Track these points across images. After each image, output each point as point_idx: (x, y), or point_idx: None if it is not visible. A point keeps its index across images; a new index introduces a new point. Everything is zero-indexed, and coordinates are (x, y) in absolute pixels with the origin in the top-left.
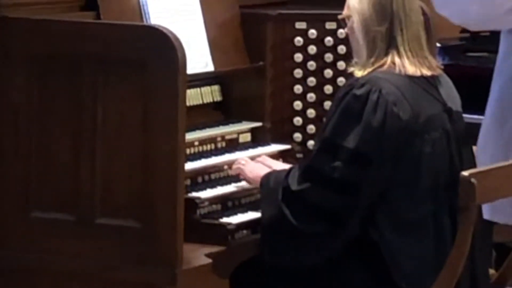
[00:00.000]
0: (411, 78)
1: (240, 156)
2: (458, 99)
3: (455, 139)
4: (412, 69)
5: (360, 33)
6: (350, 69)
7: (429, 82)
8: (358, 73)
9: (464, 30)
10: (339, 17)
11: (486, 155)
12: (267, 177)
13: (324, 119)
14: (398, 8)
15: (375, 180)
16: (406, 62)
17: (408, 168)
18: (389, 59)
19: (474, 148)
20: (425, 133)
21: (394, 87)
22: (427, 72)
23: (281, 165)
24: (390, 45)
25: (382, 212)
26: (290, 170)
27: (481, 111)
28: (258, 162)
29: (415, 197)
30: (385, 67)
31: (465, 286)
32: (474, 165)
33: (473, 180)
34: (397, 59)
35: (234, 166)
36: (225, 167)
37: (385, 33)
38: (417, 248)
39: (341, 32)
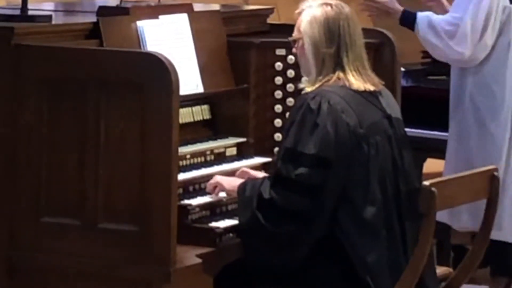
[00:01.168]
0: (355, 91)
1: (226, 168)
2: (398, 108)
3: (396, 142)
4: (356, 84)
5: (311, 54)
6: (301, 86)
7: (371, 94)
8: (308, 89)
9: (425, 56)
10: (290, 38)
11: (450, 167)
12: (243, 186)
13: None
14: (344, 33)
15: (335, 181)
16: (351, 78)
17: (359, 169)
18: (335, 77)
19: (435, 160)
20: (370, 137)
21: (340, 98)
22: (370, 87)
23: (261, 174)
24: (337, 64)
25: (343, 212)
26: (263, 180)
27: (440, 127)
28: (241, 173)
29: (368, 196)
30: (331, 82)
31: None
32: (414, 166)
33: (433, 189)
34: (342, 76)
35: (211, 182)
36: None
37: (333, 54)
38: (375, 245)
39: None
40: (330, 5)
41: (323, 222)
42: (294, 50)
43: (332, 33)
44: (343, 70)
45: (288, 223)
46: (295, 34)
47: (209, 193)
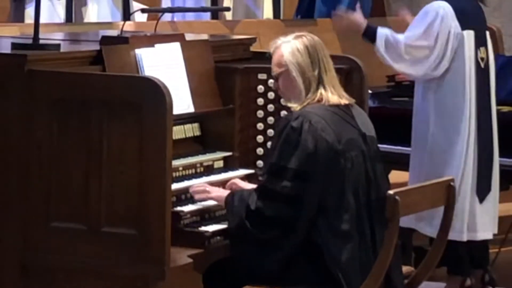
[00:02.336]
0: (334, 108)
1: (214, 179)
2: (372, 126)
3: (369, 157)
4: (334, 98)
5: (299, 80)
6: (289, 105)
7: (347, 113)
8: (296, 108)
9: (390, 80)
10: (273, 74)
11: (414, 178)
12: (231, 197)
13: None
14: (321, 56)
15: (314, 192)
16: (330, 95)
17: (336, 181)
18: (318, 94)
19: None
20: (346, 152)
21: (319, 117)
22: (345, 101)
23: (250, 185)
24: (319, 83)
25: (321, 218)
26: (250, 192)
27: (403, 142)
28: (230, 184)
29: (343, 204)
30: (315, 100)
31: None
32: (385, 178)
33: (397, 197)
34: (324, 93)
35: (199, 187)
36: None
37: (316, 76)
38: (347, 246)
39: None
40: (304, 36)
41: (303, 228)
42: (275, 85)
43: (313, 58)
44: (324, 88)
45: (272, 230)
46: (275, 70)
47: (193, 196)
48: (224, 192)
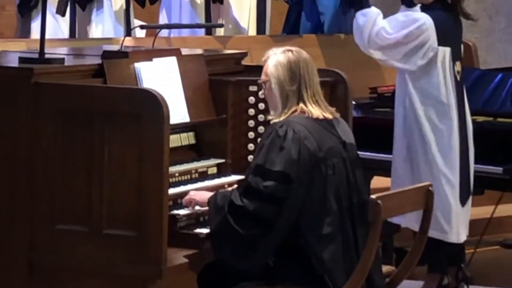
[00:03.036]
0: (316, 120)
1: (208, 184)
2: (351, 134)
3: (350, 164)
4: (316, 113)
5: (277, 92)
6: (269, 117)
7: (329, 123)
8: (276, 120)
9: (372, 92)
10: (259, 81)
11: (397, 183)
12: (214, 197)
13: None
14: (304, 72)
15: (295, 194)
16: (312, 109)
17: (318, 186)
18: (298, 108)
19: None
20: (327, 160)
21: (303, 127)
22: (329, 116)
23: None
24: (299, 99)
25: (304, 221)
26: (232, 191)
27: (385, 150)
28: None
29: (325, 207)
30: (296, 113)
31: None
32: (364, 183)
33: (379, 201)
34: (305, 108)
35: (186, 198)
36: None
37: (295, 91)
38: (331, 249)
39: None
40: (291, 51)
41: (281, 230)
42: (261, 91)
43: (294, 73)
44: (305, 103)
45: (253, 227)
46: (262, 77)
47: (186, 207)
48: (207, 194)
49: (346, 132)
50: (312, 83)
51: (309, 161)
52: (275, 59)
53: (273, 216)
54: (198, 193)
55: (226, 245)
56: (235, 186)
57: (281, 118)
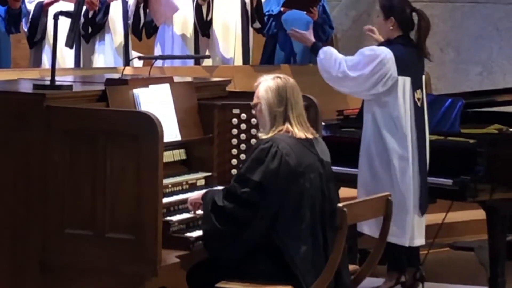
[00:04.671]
0: (298, 139)
1: (198, 194)
2: (328, 153)
3: (325, 178)
4: (300, 134)
5: (266, 113)
6: (258, 135)
7: (310, 143)
8: (264, 137)
9: (339, 114)
10: (251, 103)
11: (362, 193)
12: (205, 194)
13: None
14: (290, 96)
15: (269, 203)
16: (296, 129)
17: (295, 196)
18: (284, 128)
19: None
20: (306, 174)
21: (286, 144)
22: (310, 136)
23: None
24: (286, 119)
25: (280, 225)
26: (219, 191)
27: (350, 165)
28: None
29: (299, 214)
30: (282, 132)
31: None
32: (336, 195)
33: (345, 209)
34: (290, 128)
35: (191, 202)
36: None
37: (282, 112)
38: (303, 250)
39: None
40: (280, 77)
41: (257, 230)
42: (253, 111)
43: (281, 97)
44: (290, 123)
45: (230, 225)
46: (254, 100)
47: (190, 210)
48: (201, 192)
49: (324, 151)
50: (297, 105)
51: (287, 175)
52: (266, 84)
53: (247, 218)
54: (194, 194)
55: (209, 236)
56: (222, 187)
57: (269, 135)
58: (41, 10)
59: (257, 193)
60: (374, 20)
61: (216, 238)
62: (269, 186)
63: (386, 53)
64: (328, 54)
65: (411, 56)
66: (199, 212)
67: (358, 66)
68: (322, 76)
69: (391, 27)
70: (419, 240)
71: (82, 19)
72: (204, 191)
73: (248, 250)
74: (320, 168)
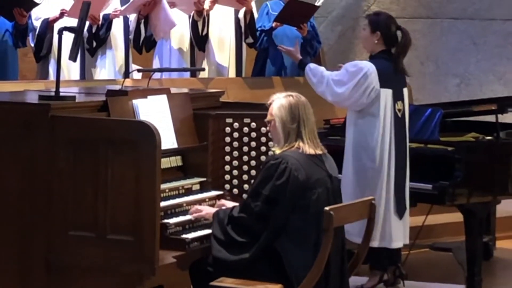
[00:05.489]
0: (308, 155)
1: (192, 198)
2: (336, 168)
3: (333, 192)
4: (310, 150)
5: (280, 129)
6: (273, 149)
7: (319, 159)
8: (277, 151)
9: (326, 124)
10: (265, 120)
11: (347, 198)
12: (217, 212)
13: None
14: (302, 114)
15: (280, 215)
16: (306, 146)
17: (302, 209)
18: (296, 144)
19: None
20: (314, 188)
21: (296, 160)
22: (319, 152)
23: (230, 203)
24: (298, 136)
25: (285, 234)
26: (233, 207)
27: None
28: (216, 204)
29: (304, 227)
30: (294, 148)
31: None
32: None
33: (331, 212)
34: (301, 144)
35: (193, 212)
36: (184, 205)
37: (295, 129)
38: (304, 259)
39: (253, 125)
40: (292, 95)
41: (266, 240)
42: (268, 127)
43: (294, 114)
44: (302, 140)
45: (244, 236)
46: (268, 117)
47: (190, 214)
48: (211, 209)
49: (332, 167)
50: (309, 122)
51: (296, 189)
52: (279, 102)
53: (259, 229)
54: (205, 208)
55: (223, 245)
56: (237, 204)
57: (282, 150)
58: (47, 26)
59: (268, 206)
60: (360, 33)
61: (231, 246)
62: (278, 199)
63: (368, 67)
64: (314, 70)
65: (392, 69)
66: (189, 217)
67: (343, 81)
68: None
69: (376, 41)
70: (397, 243)
71: (86, 34)
72: (213, 209)
73: (256, 255)
74: (328, 182)
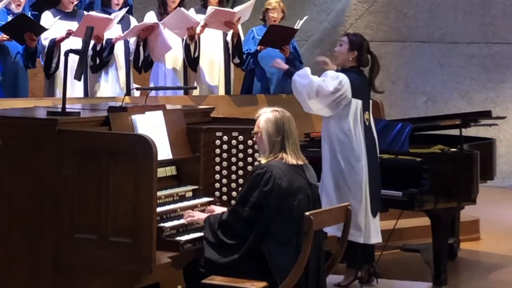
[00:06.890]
0: (291, 165)
1: (186, 204)
2: (315, 177)
3: (312, 199)
4: (292, 160)
5: (266, 141)
6: (259, 159)
7: (300, 168)
8: (263, 161)
9: (306, 137)
10: (252, 132)
11: (325, 204)
12: (208, 218)
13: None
14: (286, 127)
15: (265, 219)
16: (289, 157)
17: (285, 213)
18: (280, 155)
19: None
20: (295, 195)
21: (279, 169)
22: (301, 162)
23: (219, 209)
24: (282, 147)
25: (269, 235)
26: (222, 213)
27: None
28: (207, 210)
29: (287, 230)
30: (278, 159)
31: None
32: None
33: (311, 217)
34: (285, 155)
35: (186, 217)
36: (178, 210)
37: (280, 141)
38: (286, 258)
39: (241, 138)
40: (278, 111)
41: (252, 242)
42: (254, 139)
43: (279, 128)
44: (285, 151)
45: (232, 239)
46: (255, 129)
47: (184, 219)
48: (203, 215)
49: (312, 176)
50: (292, 135)
51: (279, 195)
52: (266, 116)
53: (247, 232)
54: (196, 214)
55: (214, 248)
56: (226, 209)
57: (267, 160)
58: (54, 45)
59: (255, 211)
60: (336, 48)
61: (221, 248)
62: (264, 205)
63: (343, 77)
64: (300, 71)
65: (362, 82)
66: (183, 221)
67: (328, 80)
68: (296, 95)
69: (351, 58)
70: (375, 239)
71: (90, 52)
72: (205, 215)
73: (244, 256)
74: (308, 190)
